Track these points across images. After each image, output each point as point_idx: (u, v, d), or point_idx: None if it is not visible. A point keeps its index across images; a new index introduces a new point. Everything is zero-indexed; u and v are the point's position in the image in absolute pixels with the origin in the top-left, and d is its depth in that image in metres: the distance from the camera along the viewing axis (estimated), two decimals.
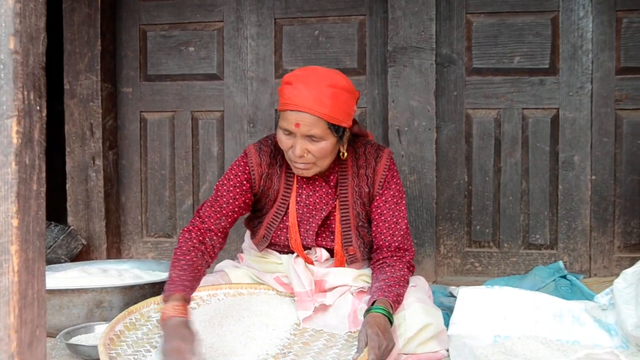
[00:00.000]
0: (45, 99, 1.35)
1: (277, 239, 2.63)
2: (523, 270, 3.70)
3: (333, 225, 2.61)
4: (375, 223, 2.60)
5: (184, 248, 2.39)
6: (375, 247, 2.61)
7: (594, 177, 3.64)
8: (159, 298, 2.43)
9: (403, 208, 2.61)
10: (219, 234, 2.51)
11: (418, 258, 3.66)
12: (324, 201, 2.59)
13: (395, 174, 2.62)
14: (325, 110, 2.33)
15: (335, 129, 2.39)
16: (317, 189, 2.60)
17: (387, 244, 2.56)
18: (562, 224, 3.67)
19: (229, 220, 2.54)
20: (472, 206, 3.76)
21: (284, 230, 2.61)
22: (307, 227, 2.60)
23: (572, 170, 3.65)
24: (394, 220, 2.58)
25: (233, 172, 2.59)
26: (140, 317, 2.41)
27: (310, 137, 2.37)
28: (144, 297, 2.65)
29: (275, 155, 2.61)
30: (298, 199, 2.60)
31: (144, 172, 4.05)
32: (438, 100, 3.69)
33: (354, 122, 2.62)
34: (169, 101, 4.00)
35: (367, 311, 2.28)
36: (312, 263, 2.63)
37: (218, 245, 2.50)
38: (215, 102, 3.96)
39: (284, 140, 2.42)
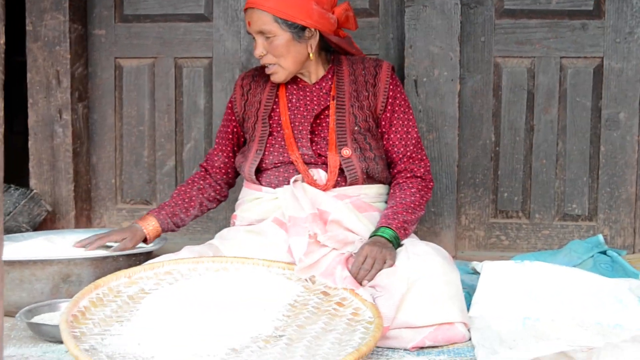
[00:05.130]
0: (4, 25, 1.32)
1: (271, 155, 2.90)
2: (557, 245, 3.71)
3: (327, 131, 2.89)
4: (386, 136, 2.94)
5: (186, 181, 3.12)
6: (389, 161, 2.97)
7: None
8: (130, 270, 2.54)
9: (412, 117, 2.98)
10: (222, 167, 3.10)
11: (435, 229, 3.68)
12: (315, 102, 2.93)
13: (398, 82, 2.99)
14: (270, 4, 2.73)
15: (288, 24, 2.76)
16: (308, 93, 2.96)
17: (400, 155, 2.92)
18: (604, 192, 3.68)
19: (227, 150, 3.10)
20: (499, 170, 3.77)
21: (279, 139, 2.91)
22: (300, 128, 2.89)
23: (617, 129, 3.64)
24: (405, 129, 2.94)
25: (227, 106, 3.14)
26: (108, 292, 2.43)
27: (264, 35, 2.78)
28: (118, 270, 2.63)
29: (261, 72, 3.02)
30: (289, 105, 2.95)
31: (118, 128, 4.05)
32: (462, 46, 3.68)
33: (343, 38, 2.99)
34: (149, 45, 4.00)
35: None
36: (313, 184, 2.85)
37: (224, 179, 3.12)
38: (203, 47, 3.96)
39: (254, 47, 2.84)
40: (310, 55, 2.86)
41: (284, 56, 2.80)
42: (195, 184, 3.08)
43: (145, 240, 2.98)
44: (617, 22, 3.62)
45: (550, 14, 3.68)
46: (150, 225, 2.97)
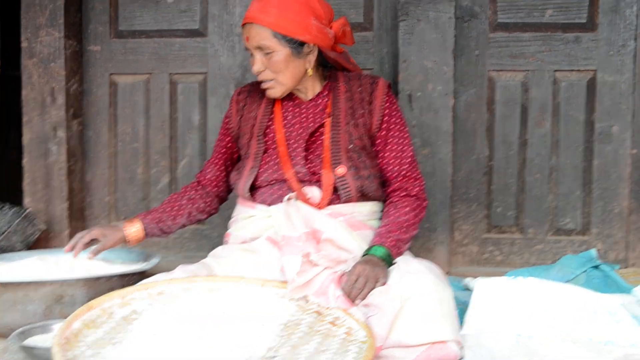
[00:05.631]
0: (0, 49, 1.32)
1: (265, 173, 2.89)
2: (550, 260, 3.71)
3: (322, 149, 2.87)
4: (381, 154, 2.93)
5: (179, 191, 3.14)
6: (384, 179, 2.94)
7: (635, 151, 3.65)
8: (124, 291, 2.52)
9: (407, 135, 2.95)
10: (213, 180, 3.11)
11: (429, 245, 3.68)
12: (310, 119, 2.92)
13: (394, 100, 2.96)
14: (270, 19, 2.72)
15: (287, 40, 2.74)
16: (304, 110, 2.94)
17: (394, 173, 2.90)
18: (597, 206, 3.69)
19: (220, 163, 3.11)
20: (493, 185, 3.77)
21: (273, 156, 2.89)
22: (295, 146, 2.88)
23: (610, 142, 3.65)
24: (400, 148, 2.92)
25: (223, 121, 3.14)
26: (101, 314, 2.41)
27: (263, 51, 2.76)
28: (112, 290, 2.61)
29: (257, 87, 3.01)
30: (284, 122, 2.93)
31: (113, 145, 4.06)
32: (456, 60, 3.69)
33: (341, 54, 2.99)
34: (144, 62, 4.01)
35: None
36: (307, 202, 2.84)
37: (214, 191, 3.12)
38: (198, 62, 3.97)
39: (251, 63, 2.83)
40: (309, 71, 2.85)
41: (283, 72, 2.79)
42: (187, 193, 3.09)
43: (128, 243, 2.99)
44: (610, 35, 3.63)
45: (543, 27, 3.69)
46: (134, 228, 2.97)
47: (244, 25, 2.80)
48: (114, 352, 2.20)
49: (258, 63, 2.78)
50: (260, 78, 2.83)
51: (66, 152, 3.88)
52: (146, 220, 3.00)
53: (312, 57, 2.84)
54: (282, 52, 2.75)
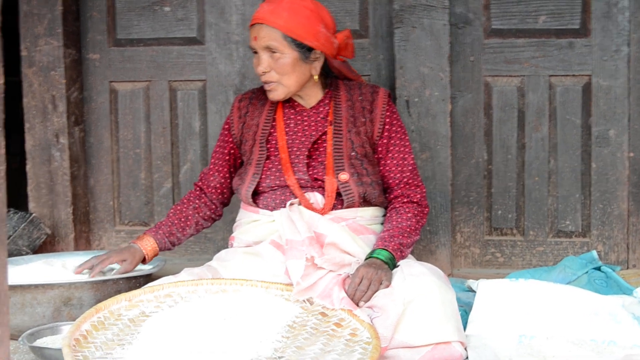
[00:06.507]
0: (3, 65, 1.33)
1: (268, 179, 2.90)
2: (551, 262, 3.72)
3: (324, 156, 2.90)
4: (383, 162, 2.95)
5: (181, 200, 3.13)
6: (386, 186, 2.97)
7: (632, 154, 3.66)
8: (131, 294, 2.55)
9: (408, 143, 2.99)
10: (218, 187, 3.09)
11: (431, 248, 3.69)
12: (312, 127, 2.94)
13: (394, 109, 3.01)
14: (280, 22, 2.75)
15: (297, 44, 2.77)
16: (305, 118, 2.96)
17: (396, 181, 2.93)
18: (596, 208, 3.69)
19: (224, 170, 3.10)
20: (493, 188, 3.78)
21: (276, 163, 2.91)
22: (298, 153, 2.90)
23: (607, 146, 3.66)
24: (401, 156, 2.95)
25: (223, 127, 3.14)
26: (109, 315, 2.43)
27: (270, 51, 2.79)
28: (118, 293, 2.66)
29: (258, 94, 3.06)
30: (287, 129, 2.94)
31: (115, 151, 4.06)
32: (452, 66, 3.70)
33: (343, 63, 3.02)
34: (143, 69, 4.01)
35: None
36: (310, 207, 2.85)
37: (219, 198, 3.11)
38: (196, 70, 3.97)
39: (254, 64, 2.87)
40: (315, 77, 2.88)
41: (288, 75, 2.81)
42: (191, 203, 3.08)
43: (144, 260, 3.00)
44: (604, 41, 3.64)
45: (537, 33, 3.70)
46: (149, 246, 2.97)
47: (252, 25, 2.83)
48: (123, 352, 2.21)
49: (264, 63, 2.80)
50: (264, 79, 2.85)
51: (69, 158, 3.88)
52: (158, 236, 3.01)
53: (318, 64, 2.87)
54: (290, 55, 2.78)
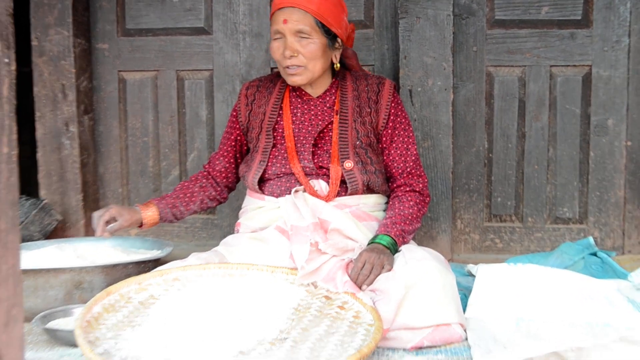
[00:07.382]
0: (15, 51, 1.35)
1: (274, 167, 2.95)
2: (549, 247, 3.76)
3: (329, 144, 2.93)
4: (387, 152, 3.00)
5: (189, 178, 3.19)
6: (389, 176, 3.02)
7: (629, 143, 3.68)
8: (140, 277, 2.59)
9: (412, 134, 3.03)
10: (223, 171, 3.16)
11: (432, 234, 3.73)
12: (319, 117, 2.97)
13: (400, 101, 3.04)
14: (313, 7, 2.76)
15: (326, 30, 2.81)
16: (312, 107, 2.99)
17: (399, 170, 2.98)
18: (593, 196, 3.72)
19: (229, 156, 3.16)
20: (493, 176, 3.81)
21: (282, 151, 2.95)
22: (304, 142, 2.93)
23: (606, 135, 3.69)
24: (405, 146, 2.99)
25: (231, 114, 3.17)
26: (120, 298, 2.47)
27: (299, 35, 2.79)
28: (128, 277, 2.68)
29: (265, 82, 3.09)
30: (293, 118, 2.98)
31: (124, 140, 4.11)
32: (455, 56, 3.73)
33: (353, 53, 3.09)
34: (151, 59, 4.05)
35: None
36: (314, 194, 2.88)
37: (224, 182, 3.18)
38: (204, 59, 4.00)
39: (275, 48, 2.84)
40: (337, 65, 2.93)
41: (316, 60, 2.84)
42: (198, 181, 3.17)
43: (140, 225, 3.06)
44: (605, 31, 3.66)
45: (539, 24, 3.72)
46: (150, 212, 3.05)
47: (280, 8, 2.80)
48: (133, 334, 2.24)
49: (292, 47, 2.80)
50: (290, 63, 2.83)
51: (79, 146, 3.93)
52: (161, 205, 3.07)
53: (338, 53, 2.94)
54: (320, 40, 2.82)
